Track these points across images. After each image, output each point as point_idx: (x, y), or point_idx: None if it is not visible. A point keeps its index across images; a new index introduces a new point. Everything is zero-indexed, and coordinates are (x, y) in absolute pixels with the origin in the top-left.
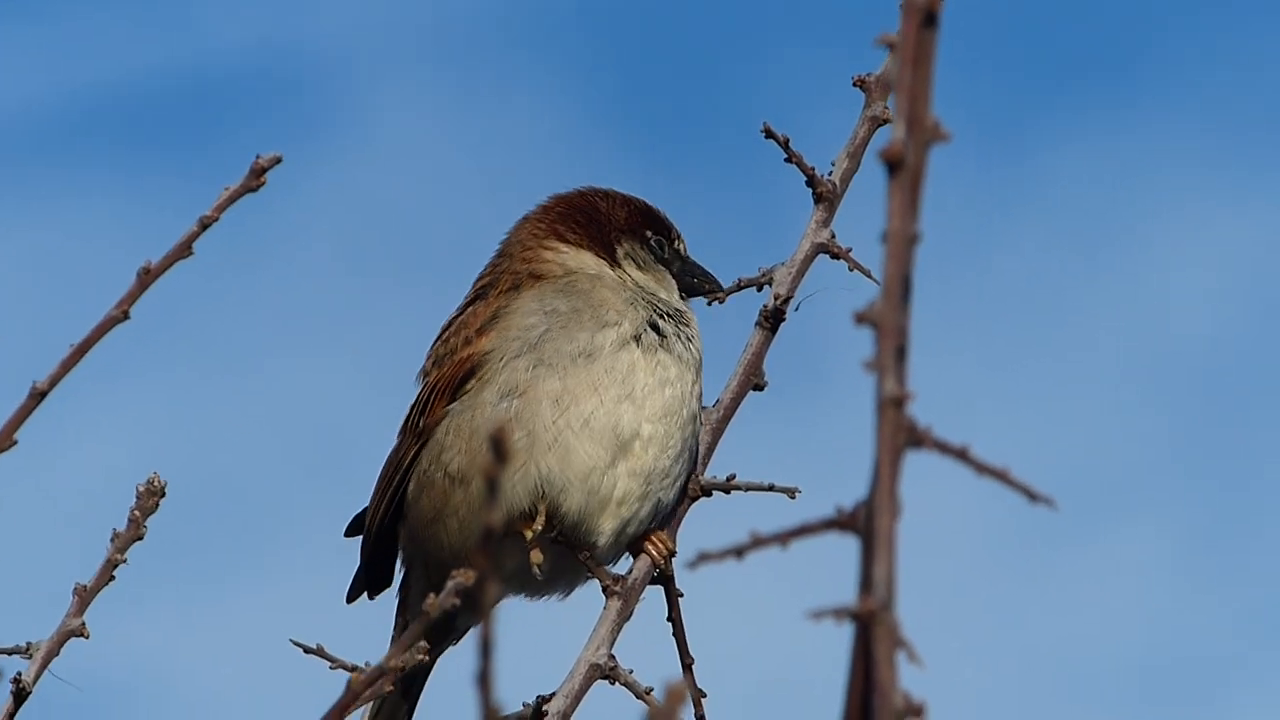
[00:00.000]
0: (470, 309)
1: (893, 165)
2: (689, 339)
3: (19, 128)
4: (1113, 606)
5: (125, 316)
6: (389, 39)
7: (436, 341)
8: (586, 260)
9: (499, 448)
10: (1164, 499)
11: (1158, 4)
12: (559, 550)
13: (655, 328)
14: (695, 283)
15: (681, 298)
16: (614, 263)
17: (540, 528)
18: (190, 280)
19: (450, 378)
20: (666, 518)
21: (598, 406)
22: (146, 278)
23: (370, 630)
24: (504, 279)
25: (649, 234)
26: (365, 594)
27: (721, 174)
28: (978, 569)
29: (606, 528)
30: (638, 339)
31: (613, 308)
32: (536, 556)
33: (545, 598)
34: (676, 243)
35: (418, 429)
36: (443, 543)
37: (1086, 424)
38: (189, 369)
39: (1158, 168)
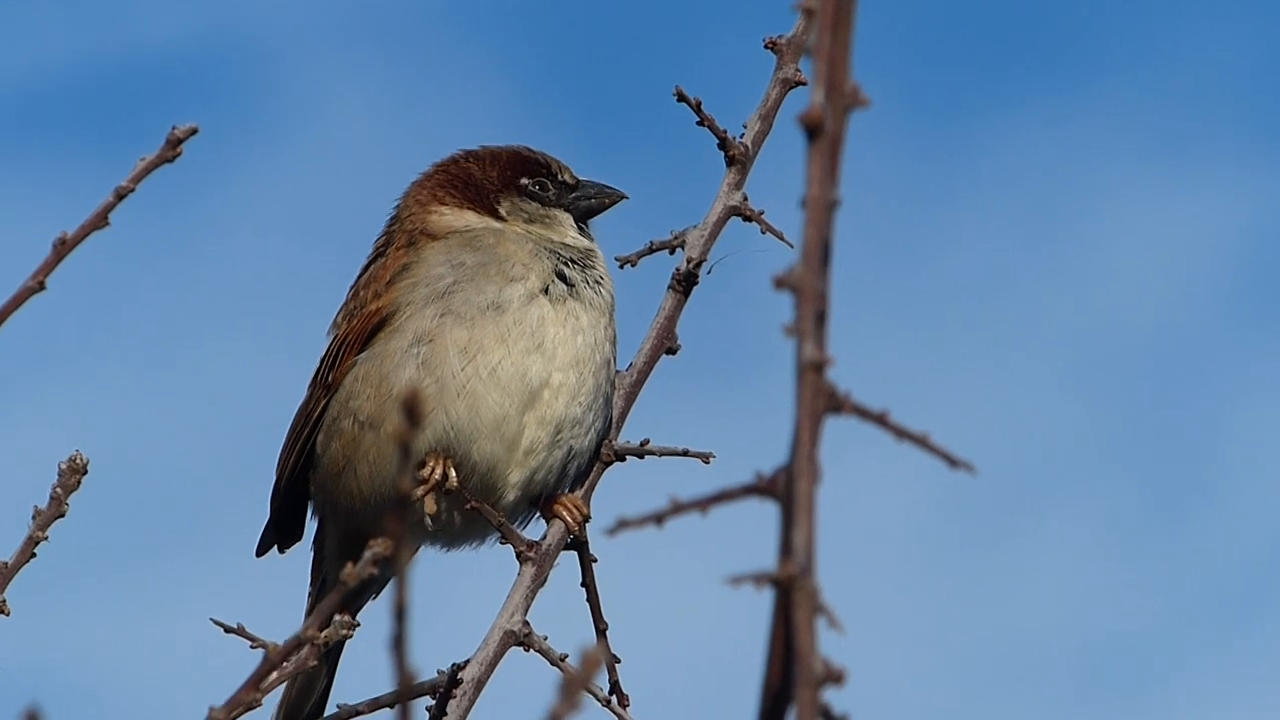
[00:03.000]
0: (377, 263)
1: (812, 130)
2: (598, 281)
3: None
4: (1046, 593)
5: (41, 287)
6: (325, 24)
7: (346, 298)
8: (470, 218)
9: (411, 411)
10: (1098, 487)
11: None
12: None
13: (562, 277)
14: (592, 203)
15: (581, 228)
16: (498, 219)
17: (437, 478)
18: (129, 267)
19: (360, 330)
20: (580, 479)
21: (504, 356)
22: (63, 248)
23: (294, 591)
24: (399, 237)
25: (525, 181)
26: (276, 549)
27: (639, 140)
28: (912, 557)
29: (514, 479)
30: (546, 291)
31: (519, 261)
32: (430, 506)
33: (460, 548)
34: (560, 174)
35: (326, 381)
36: (354, 491)
37: (1025, 411)
38: (127, 357)
39: (1098, 160)
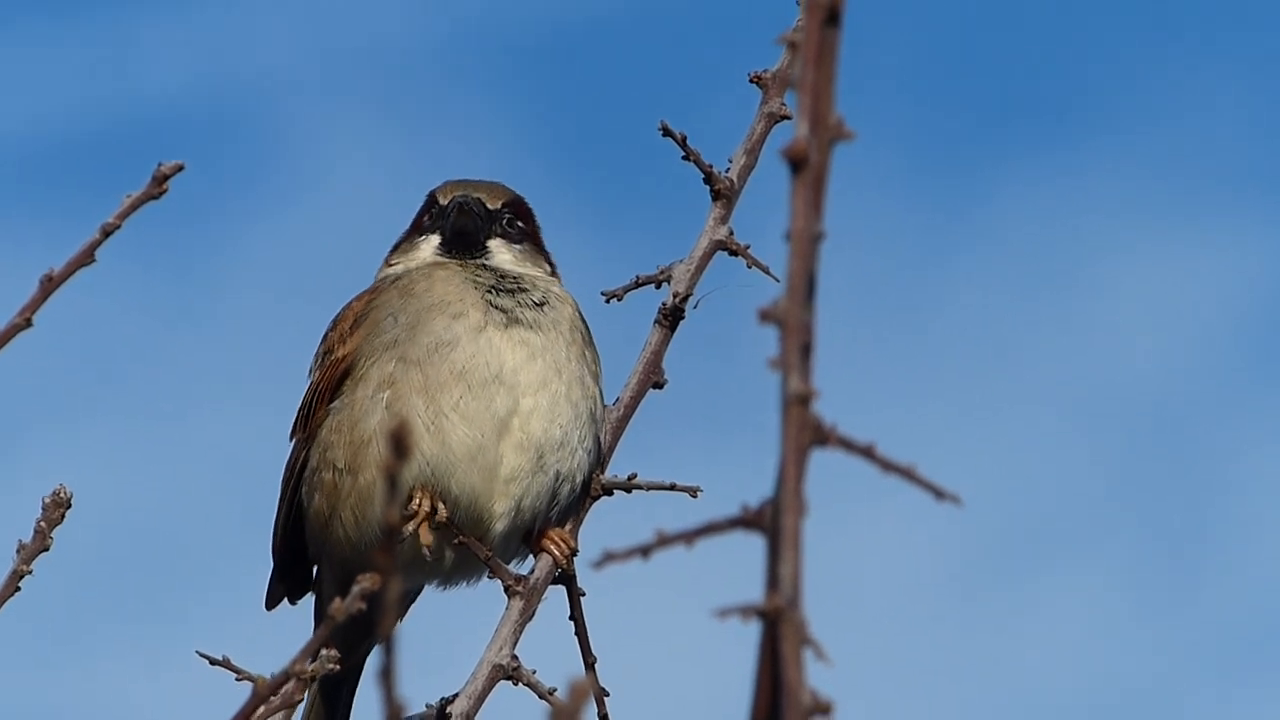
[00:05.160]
0: (346, 304)
1: (796, 163)
2: (539, 304)
3: None
4: (1050, 642)
5: (28, 324)
6: (330, 79)
7: (319, 342)
8: (383, 271)
9: (399, 444)
10: (1107, 538)
11: (1103, 49)
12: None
13: (494, 305)
14: (447, 221)
15: (441, 246)
16: (389, 266)
17: (426, 510)
18: (137, 325)
19: (329, 379)
20: (570, 511)
21: (464, 392)
22: (49, 285)
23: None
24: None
25: (425, 219)
26: (287, 601)
27: (625, 174)
28: (919, 604)
29: (499, 509)
30: (488, 319)
31: (453, 300)
32: (425, 537)
33: (455, 585)
34: (439, 200)
35: (305, 431)
36: (341, 538)
37: (1031, 463)
38: (133, 411)
39: (1104, 212)
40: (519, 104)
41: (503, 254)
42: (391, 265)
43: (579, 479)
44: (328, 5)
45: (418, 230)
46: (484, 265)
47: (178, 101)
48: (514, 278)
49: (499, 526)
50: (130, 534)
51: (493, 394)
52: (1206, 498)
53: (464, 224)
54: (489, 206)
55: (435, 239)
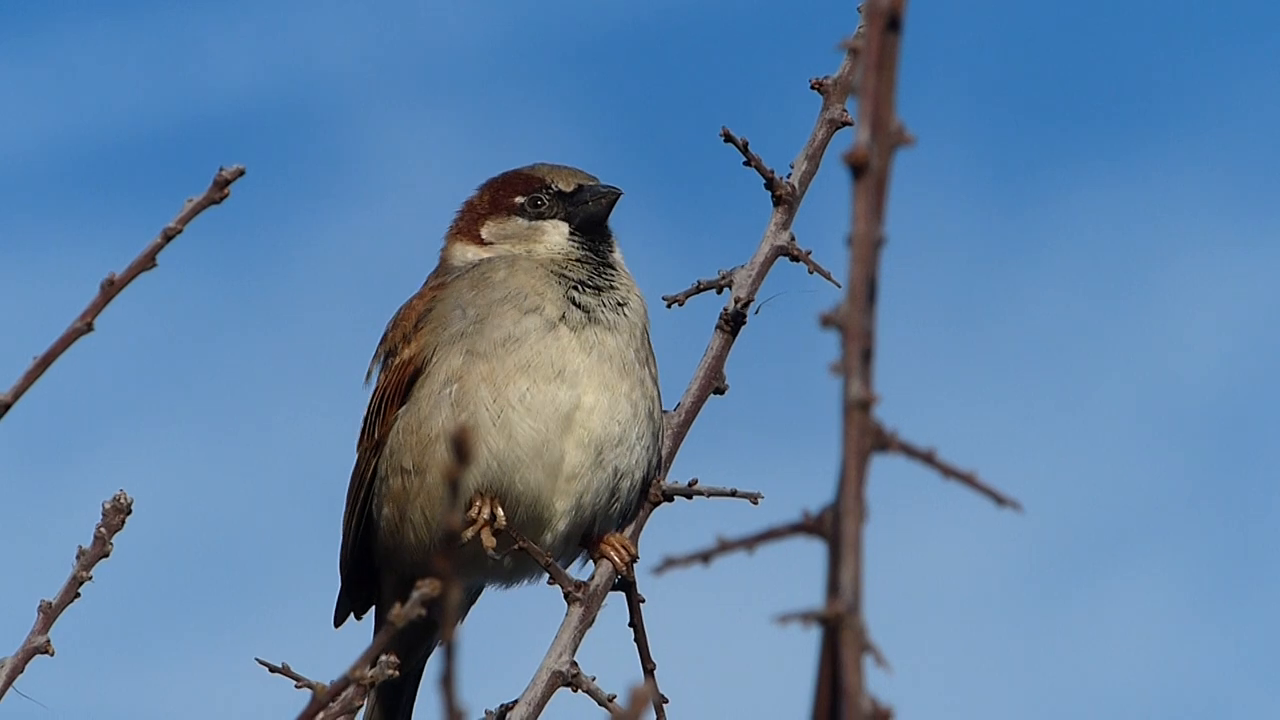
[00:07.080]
0: (405, 304)
1: (857, 169)
2: (619, 304)
3: (13, 175)
4: (1122, 648)
5: (89, 328)
6: (397, 79)
7: (378, 343)
8: (470, 253)
9: (460, 449)
10: (1176, 540)
11: (1172, 51)
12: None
13: (575, 303)
14: (589, 208)
15: (580, 234)
16: (482, 245)
17: (485, 516)
18: (206, 329)
19: (397, 383)
20: (629, 514)
21: (530, 385)
22: (110, 289)
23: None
24: (431, 278)
25: (519, 200)
26: (353, 617)
27: (687, 180)
28: (986, 612)
29: (561, 506)
30: (564, 318)
31: (532, 292)
32: (488, 540)
33: (517, 585)
34: (555, 184)
35: (373, 439)
36: (411, 541)
37: (1100, 466)
38: (198, 423)
39: (1171, 213)
40: (582, 106)
41: (587, 237)
42: (486, 244)
43: (638, 475)
44: (396, 6)
45: (509, 211)
46: (596, 256)
47: (246, 103)
48: (610, 272)
49: (561, 525)
50: (195, 539)
51: (557, 389)
52: (1276, 498)
53: (605, 213)
54: (567, 190)
55: (564, 225)
